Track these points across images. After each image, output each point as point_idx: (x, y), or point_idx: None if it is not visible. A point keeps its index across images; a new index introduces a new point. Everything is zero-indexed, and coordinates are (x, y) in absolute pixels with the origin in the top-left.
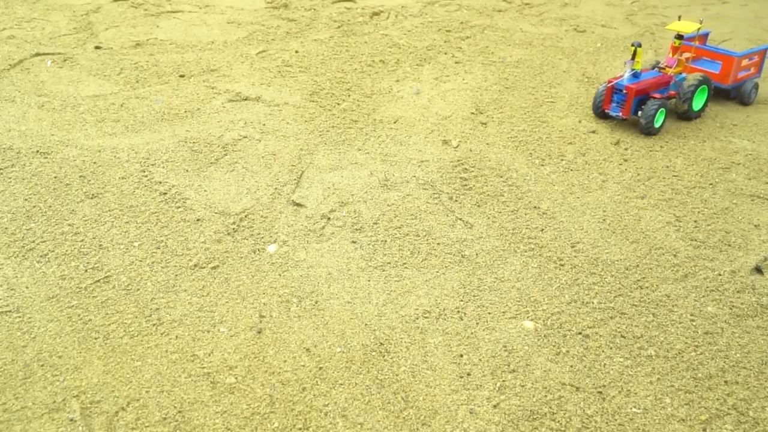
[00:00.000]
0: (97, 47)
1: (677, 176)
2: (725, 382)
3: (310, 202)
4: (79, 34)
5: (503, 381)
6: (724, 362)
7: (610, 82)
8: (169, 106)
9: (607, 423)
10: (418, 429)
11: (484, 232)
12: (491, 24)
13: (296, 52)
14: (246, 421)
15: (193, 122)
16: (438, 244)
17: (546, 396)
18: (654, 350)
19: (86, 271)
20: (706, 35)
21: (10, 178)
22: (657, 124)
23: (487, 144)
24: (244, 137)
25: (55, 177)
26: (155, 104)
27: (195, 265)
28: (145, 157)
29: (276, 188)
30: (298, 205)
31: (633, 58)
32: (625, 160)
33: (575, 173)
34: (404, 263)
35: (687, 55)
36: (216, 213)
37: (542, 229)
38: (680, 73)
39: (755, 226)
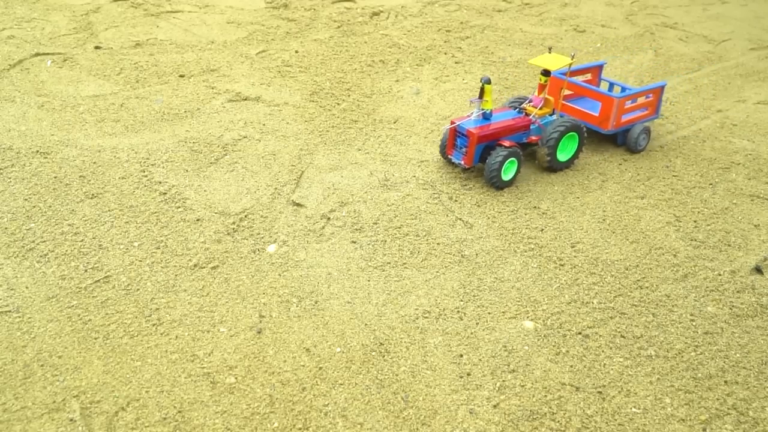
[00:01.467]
0: (97, 47)
1: (677, 176)
2: (725, 382)
3: (310, 202)
4: (79, 34)
5: (503, 381)
6: (724, 362)
7: (453, 123)
8: (169, 106)
9: (607, 423)
10: (418, 429)
11: (484, 232)
12: (491, 24)
13: (296, 52)
14: (246, 421)
15: (193, 122)
16: (438, 244)
17: (546, 396)
18: (654, 350)
19: (86, 271)
20: (601, 67)
21: (10, 178)
22: (506, 177)
23: None
24: (244, 137)
25: (55, 177)
26: (155, 104)
27: (195, 265)
28: (145, 157)
29: (276, 188)
30: (298, 205)
31: (481, 96)
32: (625, 160)
33: (575, 173)
34: (404, 263)
35: (567, 92)
36: (216, 213)
37: (542, 229)
38: (549, 115)
39: (755, 226)
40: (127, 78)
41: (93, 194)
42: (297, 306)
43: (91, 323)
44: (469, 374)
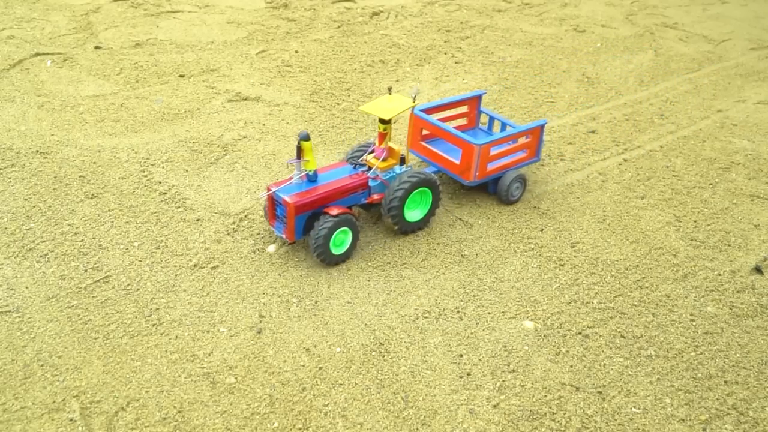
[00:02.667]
0: (97, 47)
1: (677, 176)
2: (725, 382)
3: None
4: (79, 34)
5: (503, 381)
6: (724, 362)
7: (270, 189)
8: (169, 106)
9: (607, 423)
10: (418, 429)
11: (483, 232)
12: (491, 24)
13: (296, 52)
14: (246, 421)
15: (193, 122)
16: (438, 244)
17: (546, 396)
18: (654, 350)
19: (86, 271)
20: (479, 97)
21: (10, 178)
22: (337, 250)
23: None
24: (244, 137)
25: (55, 177)
26: (155, 104)
27: (195, 265)
28: (145, 157)
29: None
30: None
31: (299, 155)
32: (625, 160)
33: (575, 173)
34: (404, 263)
35: (426, 132)
36: (216, 213)
37: (542, 229)
38: (400, 166)
39: (755, 226)
40: (127, 78)
41: (93, 194)
42: (297, 306)
43: (91, 323)
44: (469, 374)
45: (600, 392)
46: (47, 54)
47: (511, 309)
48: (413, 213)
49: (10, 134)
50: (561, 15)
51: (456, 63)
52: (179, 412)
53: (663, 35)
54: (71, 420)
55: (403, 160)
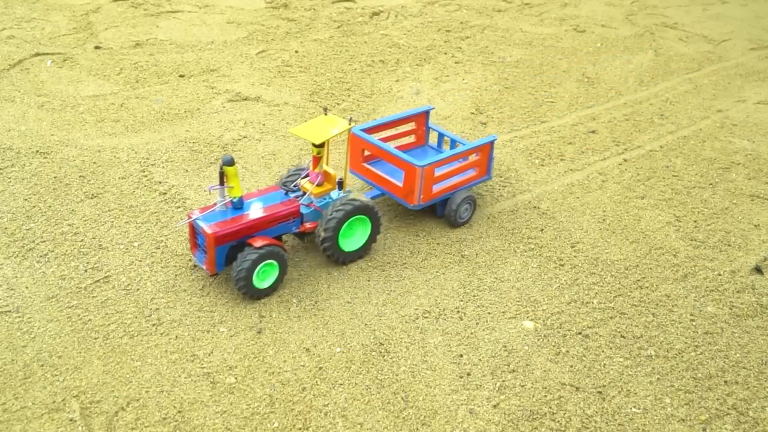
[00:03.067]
0: (97, 47)
1: (677, 176)
2: (725, 382)
3: None
4: (79, 34)
5: (503, 381)
6: (724, 362)
7: (190, 216)
8: (169, 106)
9: (607, 423)
10: (418, 429)
11: (483, 231)
12: (491, 24)
13: (296, 52)
14: (246, 421)
15: (193, 122)
16: (438, 244)
17: (546, 396)
18: (654, 350)
19: (86, 271)
20: (427, 113)
21: (10, 178)
22: (261, 284)
23: None
24: (244, 137)
25: (55, 177)
26: (155, 104)
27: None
28: (144, 157)
29: None
30: None
31: (222, 181)
32: (625, 160)
33: (575, 173)
34: (404, 263)
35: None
36: None
37: (542, 229)
38: (340, 191)
39: (755, 226)
40: (127, 78)
41: (93, 194)
42: (297, 306)
43: (91, 323)
44: (469, 374)
45: (600, 392)
46: (47, 54)
47: (511, 309)
48: (350, 242)
49: (10, 134)
50: (561, 15)
51: (456, 63)
52: (179, 412)
53: (663, 35)
54: (71, 420)
55: (341, 185)
